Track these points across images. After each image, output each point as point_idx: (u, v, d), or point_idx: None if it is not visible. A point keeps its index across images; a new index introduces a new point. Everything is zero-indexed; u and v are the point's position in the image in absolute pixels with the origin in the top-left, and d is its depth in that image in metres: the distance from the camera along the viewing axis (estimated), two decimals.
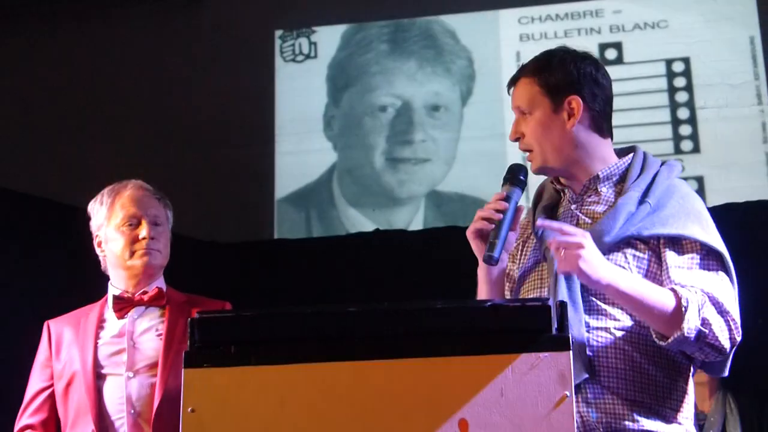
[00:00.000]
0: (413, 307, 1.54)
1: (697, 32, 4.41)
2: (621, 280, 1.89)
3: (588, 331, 1.97)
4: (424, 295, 4.70)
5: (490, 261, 1.98)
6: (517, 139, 2.14)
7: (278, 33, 6.10)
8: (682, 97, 4.36)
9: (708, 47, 4.40)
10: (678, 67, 4.37)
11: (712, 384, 4.16)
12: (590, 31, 4.48)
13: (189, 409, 1.51)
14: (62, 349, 2.62)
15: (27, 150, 5.88)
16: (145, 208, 2.67)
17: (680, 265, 1.98)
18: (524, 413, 1.44)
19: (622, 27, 4.36)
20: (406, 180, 5.76)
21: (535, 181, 2.24)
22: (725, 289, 1.98)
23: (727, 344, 1.93)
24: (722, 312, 1.93)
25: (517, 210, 2.04)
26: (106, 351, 2.59)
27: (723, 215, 4.81)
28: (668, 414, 1.97)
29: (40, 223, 4.67)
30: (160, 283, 2.70)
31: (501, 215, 1.99)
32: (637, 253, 2.00)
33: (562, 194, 2.19)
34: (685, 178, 4.35)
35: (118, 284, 2.68)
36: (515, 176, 2.06)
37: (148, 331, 2.62)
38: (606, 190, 2.11)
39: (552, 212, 2.16)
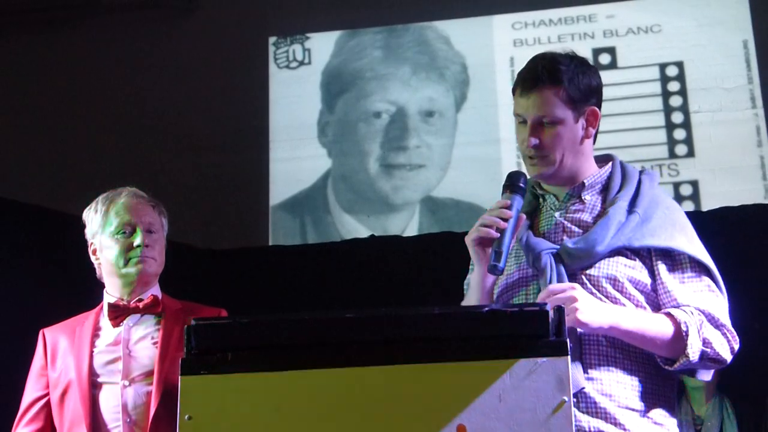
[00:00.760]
0: (410, 313, 1.54)
1: (690, 36, 4.42)
2: (621, 320, 1.93)
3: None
4: (419, 301, 4.69)
5: (495, 271, 1.96)
6: (534, 146, 2.10)
7: (272, 39, 6.10)
8: (676, 101, 4.37)
9: (701, 51, 4.41)
10: (672, 71, 4.38)
11: (709, 388, 4.16)
12: (584, 36, 4.50)
13: (186, 417, 1.50)
14: (57, 357, 2.61)
15: (20, 157, 5.87)
16: (140, 216, 2.67)
17: (673, 281, 2.03)
18: (522, 419, 1.43)
19: (615, 32, 4.37)
20: (400, 186, 5.76)
21: None
22: (717, 302, 2.03)
23: (728, 356, 1.99)
24: (718, 326, 1.99)
25: (519, 218, 2.03)
26: (101, 359, 2.58)
27: (719, 219, 4.84)
28: (656, 420, 2.00)
29: (35, 232, 4.66)
30: (156, 290, 2.69)
31: (506, 224, 1.99)
32: (628, 262, 2.02)
33: (541, 200, 2.19)
34: (680, 183, 4.41)
35: (113, 292, 2.67)
36: (515, 184, 2.06)
37: (144, 339, 2.61)
38: (590, 198, 2.13)
39: (531, 219, 2.16)
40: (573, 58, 2.13)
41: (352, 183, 5.83)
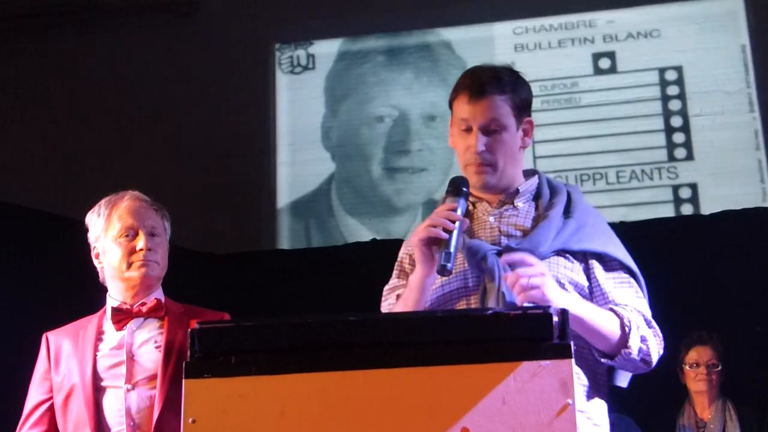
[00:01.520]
0: (414, 316, 1.54)
1: (689, 41, 4.46)
2: (577, 306, 1.99)
3: None
4: None
5: (444, 272, 1.97)
6: (482, 152, 2.13)
7: (277, 45, 6.11)
8: (675, 105, 4.37)
9: (700, 56, 4.42)
10: (671, 75, 4.39)
11: (711, 392, 4.17)
12: (584, 41, 4.51)
13: (190, 420, 1.51)
14: (61, 361, 2.61)
15: (23, 161, 5.88)
16: (143, 219, 2.66)
17: (609, 283, 2.11)
18: (526, 421, 1.44)
19: (615, 37, 4.41)
20: (403, 189, 5.77)
21: None
22: (645, 305, 2.13)
23: (656, 358, 2.08)
24: (651, 328, 2.08)
25: (462, 222, 2.05)
26: (105, 363, 2.57)
27: (719, 222, 4.84)
28: (596, 421, 2.07)
29: (39, 236, 4.67)
30: (159, 294, 2.69)
31: (454, 226, 2.00)
32: (568, 264, 2.10)
33: (471, 206, 2.21)
34: (679, 186, 4.38)
35: (116, 296, 2.67)
36: (459, 188, 2.09)
37: (147, 343, 2.61)
38: (523, 205, 2.20)
39: None
40: (512, 71, 2.20)
41: (355, 186, 5.85)
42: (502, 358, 1.47)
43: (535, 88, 4.24)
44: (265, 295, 5.17)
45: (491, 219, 2.17)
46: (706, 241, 4.65)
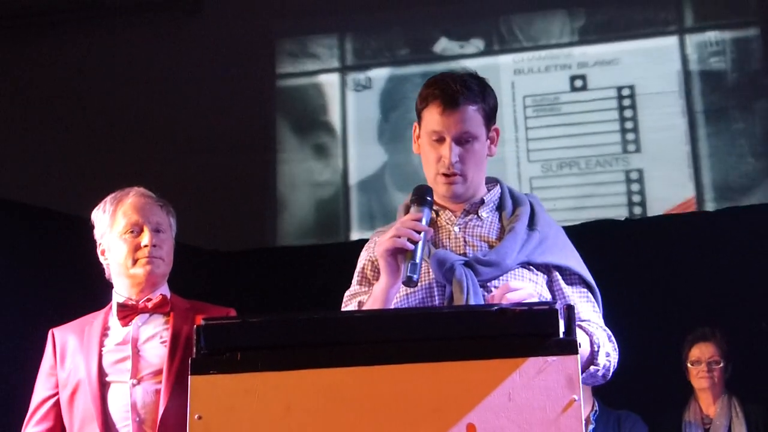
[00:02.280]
0: (420, 312, 1.54)
1: (639, 67, 5.88)
2: None
3: None
4: None
5: (411, 282, 1.95)
6: (455, 163, 2.11)
7: (279, 41, 6.15)
8: (628, 113, 5.81)
9: (647, 78, 5.84)
10: (626, 92, 5.85)
11: (714, 389, 4.16)
12: (564, 67, 5.95)
13: (196, 416, 1.51)
14: (67, 357, 2.61)
15: (28, 159, 5.89)
16: (147, 216, 2.66)
17: (573, 296, 2.12)
18: (532, 417, 1.44)
19: (586, 64, 5.94)
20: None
21: None
22: (601, 319, 2.15)
23: (612, 372, 2.09)
24: (611, 341, 2.10)
25: (427, 231, 2.03)
26: (110, 358, 2.58)
27: (724, 218, 4.85)
28: None
29: (45, 233, 4.67)
30: (164, 290, 2.69)
31: (420, 236, 1.98)
32: (532, 276, 2.10)
33: (434, 214, 2.18)
34: (630, 170, 5.60)
35: (121, 292, 2.67)
36: (423, 197, 2.08)
37: (153, 339, 2.62)
38: (487, 215, 2.19)
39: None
40: (477, 77, 2.17)
41: (360, 187, 5.93)
42: (508, 354, 1.47)
43: (528, 101, 5.59)
44: (270, 292, 5.17)
45: (456, 229, 2.16)
46: (711, 239, 4.68)
